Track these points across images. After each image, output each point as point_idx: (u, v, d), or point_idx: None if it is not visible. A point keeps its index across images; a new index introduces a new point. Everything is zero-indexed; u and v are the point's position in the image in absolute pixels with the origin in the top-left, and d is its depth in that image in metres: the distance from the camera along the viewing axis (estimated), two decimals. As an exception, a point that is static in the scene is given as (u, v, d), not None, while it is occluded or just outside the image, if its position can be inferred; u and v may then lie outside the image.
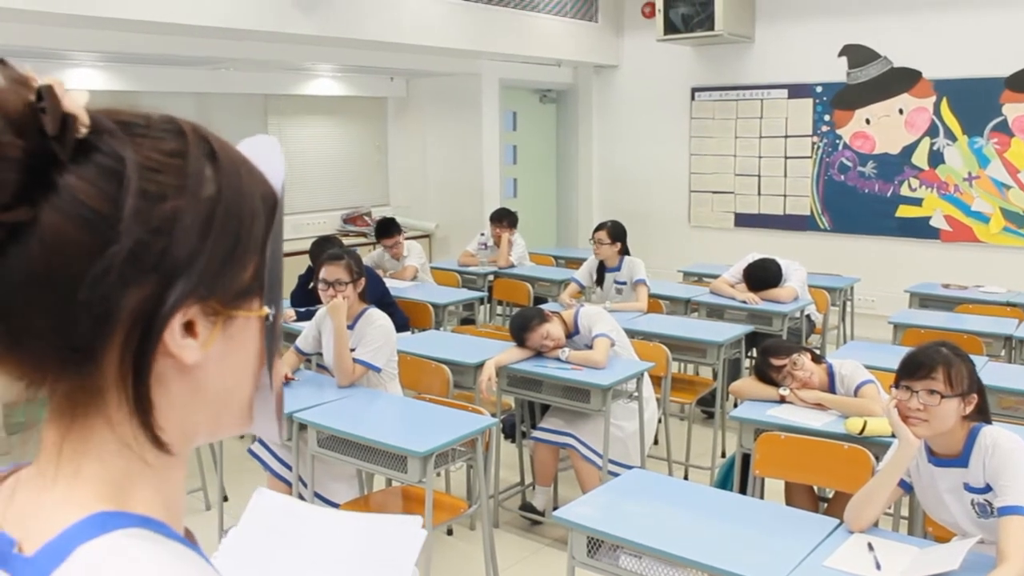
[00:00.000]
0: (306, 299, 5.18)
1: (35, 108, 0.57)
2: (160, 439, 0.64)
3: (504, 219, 7.21)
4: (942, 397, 2.51)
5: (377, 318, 3.97)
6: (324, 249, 5.15)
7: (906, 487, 2.74)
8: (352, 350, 3.90)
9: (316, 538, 1.46)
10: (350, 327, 3.95)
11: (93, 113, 0.60)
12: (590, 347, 4.24)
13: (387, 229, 6.74)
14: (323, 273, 3.92)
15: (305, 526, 1.45)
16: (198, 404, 0.68)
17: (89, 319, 0.59)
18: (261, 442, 3.94)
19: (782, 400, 3.66)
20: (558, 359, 4.24)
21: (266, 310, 0.70)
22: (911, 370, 2.59)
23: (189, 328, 0.64)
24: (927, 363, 2.56)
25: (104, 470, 0.64)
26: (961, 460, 2.57)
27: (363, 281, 3.99)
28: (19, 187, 0.57)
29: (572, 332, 4.39)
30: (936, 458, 2.63)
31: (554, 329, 4.29)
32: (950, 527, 2.69)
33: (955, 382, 2.52)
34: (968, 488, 2.55)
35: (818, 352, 3.85)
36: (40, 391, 0.63)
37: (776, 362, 3.74)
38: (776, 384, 3.72)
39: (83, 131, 0.59)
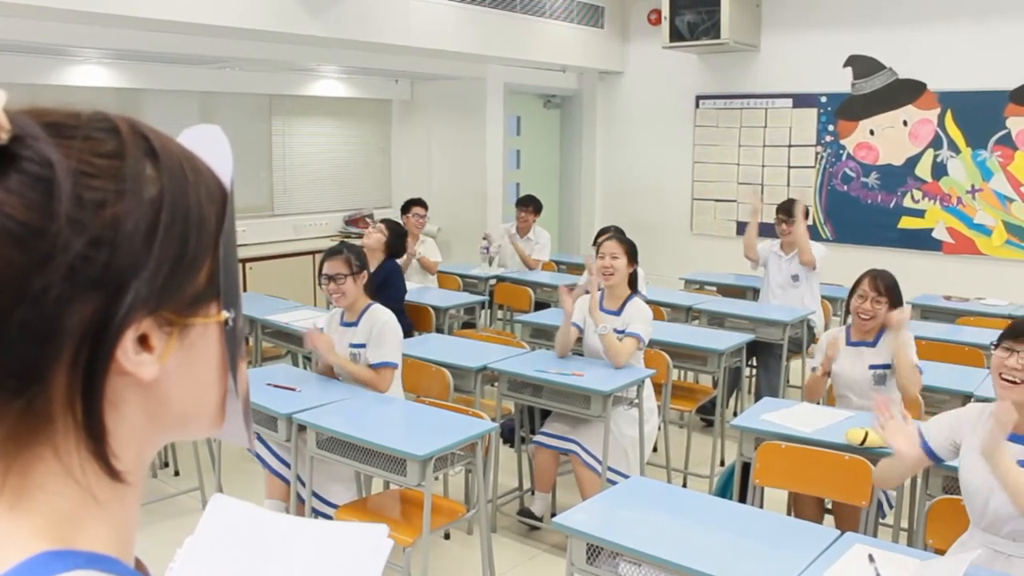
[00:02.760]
0: None
1: None
2: (114, 468, 0.59)
3: (531, 204, 7.43)
4: None
5: (382, 314, 4.01)
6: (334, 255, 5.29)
7: (936, 459, 2.82)
8: (362, 346, 3.95)
9: (278, 547, 1.41)
10: (354, 323, 4.01)
11: (14, 115, 0.55)
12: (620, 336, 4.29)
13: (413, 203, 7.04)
14: (324, 268, 4.04)
15: (266, 535, 1.41)
16: (159, 419, 0.63)
17: (28, 342, 0.54)
18: (261, 439, 3.94)
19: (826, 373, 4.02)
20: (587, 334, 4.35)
21: (225, 314, 0.64)
22: (1018, 332, 2.70)
23: (143, 342, 0.59)
24: None
25: (49, 503, 0.58)
26: None
27: (364, 275, 4.03)
28: None
29: (615, 310, 4.40)
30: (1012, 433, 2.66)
31: (620, 264, 4.37)
32: (975, 494, 2.69)
33: None
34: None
35: None
36: None
37: (872, 286, 4.01)
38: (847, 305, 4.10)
39: (3, 137, 0.53)
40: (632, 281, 4.48)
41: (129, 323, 0.57)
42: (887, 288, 3.98)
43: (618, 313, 4.38)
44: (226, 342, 0.66)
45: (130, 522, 0.64)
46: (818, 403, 4.03)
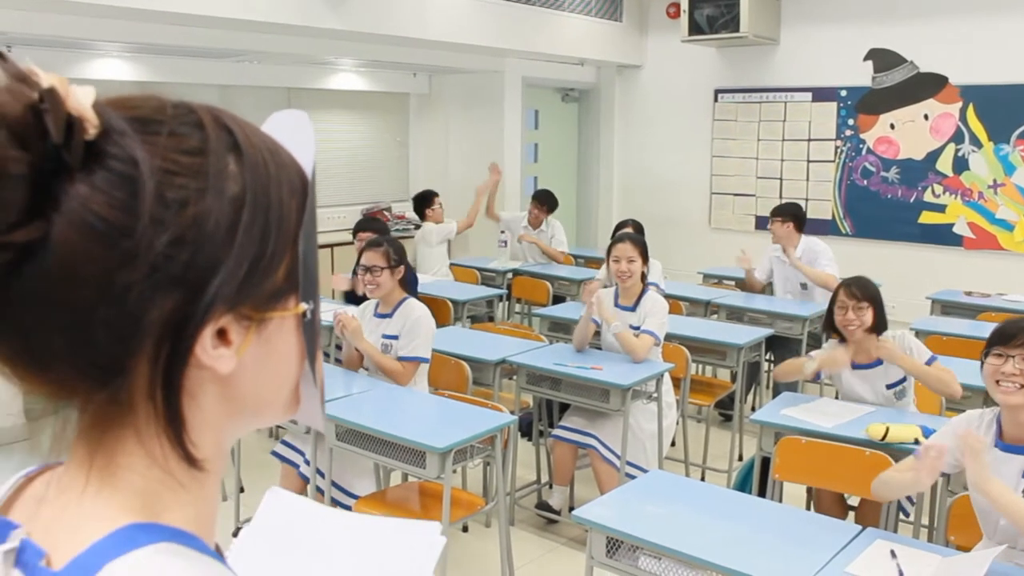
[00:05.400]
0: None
1: (38, 110, 0.52)
2: (192, 456, 0.61)
3: (543, 200, 7.44)
4: None
5: (417, 308, 4.03)
6: (365, 228, 5.36)
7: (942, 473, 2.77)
8: (394, 337, 3.96)
9: (332, 541, 1.42)
10: (388, 315, 4.02)
11: (103, 110, 0.55)
12: (635, 332, 4.28)
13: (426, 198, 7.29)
14: (363, 259, 4.05)
15: (320, 528, 1.42)
16: (236, 409, 0.65)
17: (112, 336, 0.55)
18: (285, 442, 3.97)
19: (815, 372, 3.78)
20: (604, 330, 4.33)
21: (303, 307, 0.65)
22: (1007, 337, 2.62)
23: (221, 336, 0.60)
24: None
25: (134, 483, 0.60)
26: None
27: (402, 269, 4.03)
28: (27, 203, 0.52)
29: (630, 306, 4.38)
30: (1005, 443, 2.64)
31: (636, 267, 4.35)
32: (984, 513, 2.68)
33: None
34: None
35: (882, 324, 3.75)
36: (68, 406, 0.60)
37: (849, 295, 3.66)
38: (832, 321, 3.73)
39: (92, 132, 0.54)
40: (642, 275, 4.48)
41: (208, 319, 0.58)
42: (864, 292, 3.67)
43: (633, 309, 4.39)
44: (304, 334, 0.66)
45: (210, 506, 0.66)
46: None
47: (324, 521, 1.43)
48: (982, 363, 2.70)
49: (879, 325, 3.67)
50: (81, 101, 0.54)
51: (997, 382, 2.60)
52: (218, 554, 0.63)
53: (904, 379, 3.71)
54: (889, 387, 3.73)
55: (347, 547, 1.42)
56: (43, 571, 0.57)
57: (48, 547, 0.58)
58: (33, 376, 0.57)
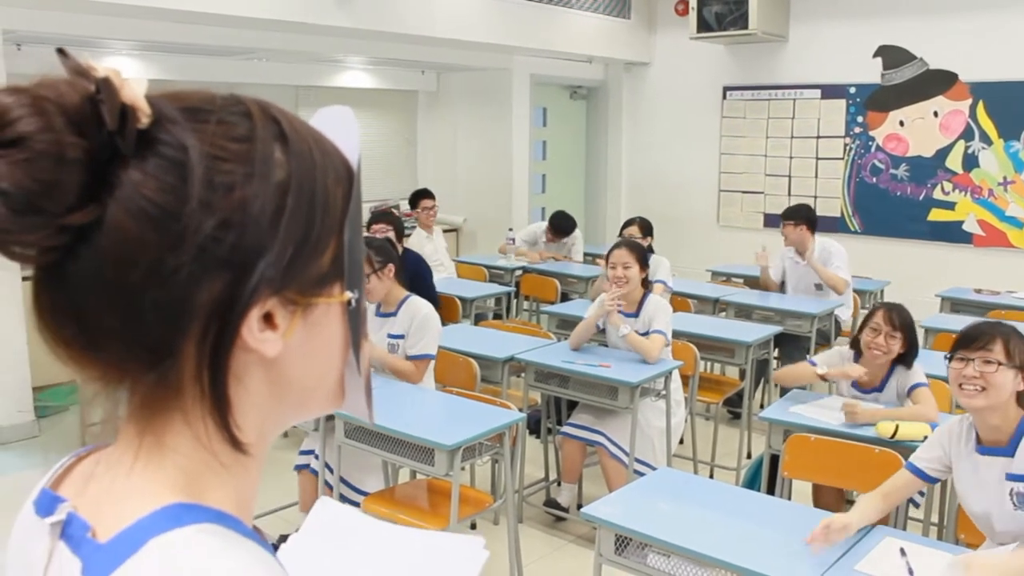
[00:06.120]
0: None
1: (95, 100, 0.55)
2: (237, 438, 0.63)
3: (559, 229, 7.33)
4: (999, 365, 2.53)
5: (422, 306, 4.00)
6: (379, 220, 5.34)
7: (929, 479, 2.75)
8: (400, 337, 3.95)
9: (377, 552, 1.43)
10: (392, 314, 4.00)
11: (155, 100, 0.58)
12: (644, 334, 4.27)
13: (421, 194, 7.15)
14: None
15: (367, 539, 1.43)
16: (282, 394, 0.66)
17: (162, 318, 0.57)
18: (302, 452, 3.94)
19: (823, 378, 3.73)
20: (614, 334, 4.29)
21: (348, 294, 0.67)
22: (968, 341, 2.61)
23: (268, 320, 0.61)
24: (986, 333, 2.60)
25: (179, 464, 0.62)
26: (1008, 449, 2.57)
27: (391, 267, 3.97)
28: (83, 187, 0.55)
29: (633, 312, 4.38)
30: (982, 446, 2.63)
31: (632, 272, 4.30)
32: (978, 519, 2.68)
33: (1013, 353, 2.55)
34: (1010, 477, 2.55)
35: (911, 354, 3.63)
36: (119, 388, 0.62)
37: (887, 320, 3.56)
38: (856, 339, 3.68)
39: (144, 121, 0.57)
40: (644, 279, 4.43)
41: (255, 302, 0.60)
42: (903, 324, 3.58)
43: (636, 315, 4.37)
44: (348, 321, 0.68)
45: (251, 489, 0.68)
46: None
47: (372, 532, 1.45)
48: (948, 365, 2.68)
49: (907, 356, 3.61)
50: (135, 91, 0.57)
51: (960, 386, 2.59)
52: (259, 536, 0.64)
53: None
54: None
55: (393, 558, 1.43)
56: (89, 542, 0.59)
57: (94, 521, 0.60)
58: (87, 358, 0.60)
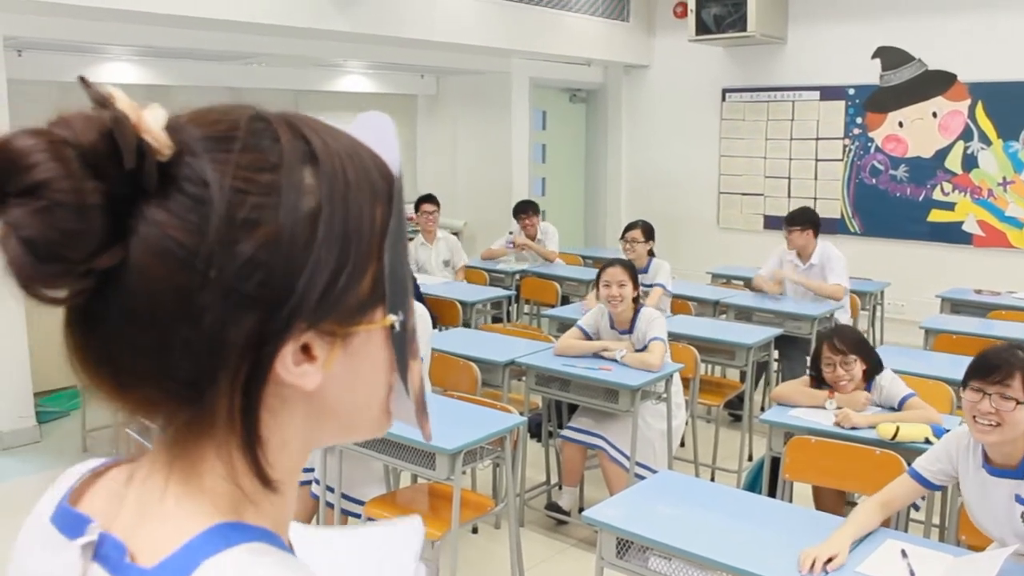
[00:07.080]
0: None
1: (112, 136, 0.54)
2: (268, 476, 0.61)
3: (528, 209, 7.36)
4: (1017, 403, 2.42)
5: (416, 309, 3.98)
6: None
7: (933, 487, 2.72)
8: None
9: (318, 558, 1.43)
10: None
11: (176, 127, 0.56)
12: (641, 349, 4.24)
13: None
14: None
15: (306, 547, 1.42)
16: (323, 425, 0.64)
17: (192, 357, 0.56)
18: (307, 471, 3.89)
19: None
20: (613, 359, 4.22)
21: (391, 318, 0.63)
22: (985, 372, 2.47)
23: (306, 351, 0.59)
24: (1003, 366, 2.45)
25: (217, 487, 0.61)
26: (1018, 472, 2.52)
27: None
28: (106, 230, 0.53)
29: (626, 329, 4.37)
30: (991, 467, 2.58)
31: (626, 291, 4.28)
32: (990, 534, 2.66)
33: None
34: (1020, 500, 2.51)
35: (877, 366, 3.59)
36: (154, 422, 0.61)
37: (834, 351, 3.50)
38: (819, 371, 3.57)
39: (166, 154, 0.55)
40: (634, 299, 4.39)
41: (286, 338, 0.58)
42: (851, 345, 3.51)
43: (630, 331, 4.37)
44: (393, 345, 0.64)
45: (288, 511, 0.67)
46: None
47: (303, 539, 1.44)
48: (962, 390, 2.58)
49: (872, 371, 3.55)
50: (151, 126, 0.55)
51: (974, 418, 2.49)
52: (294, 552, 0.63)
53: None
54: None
55: (334, 560, 1.42)
56: (131, 567, 0.57)
57: (131, 543, 0.58)
58: (121, 395, 0.59)
